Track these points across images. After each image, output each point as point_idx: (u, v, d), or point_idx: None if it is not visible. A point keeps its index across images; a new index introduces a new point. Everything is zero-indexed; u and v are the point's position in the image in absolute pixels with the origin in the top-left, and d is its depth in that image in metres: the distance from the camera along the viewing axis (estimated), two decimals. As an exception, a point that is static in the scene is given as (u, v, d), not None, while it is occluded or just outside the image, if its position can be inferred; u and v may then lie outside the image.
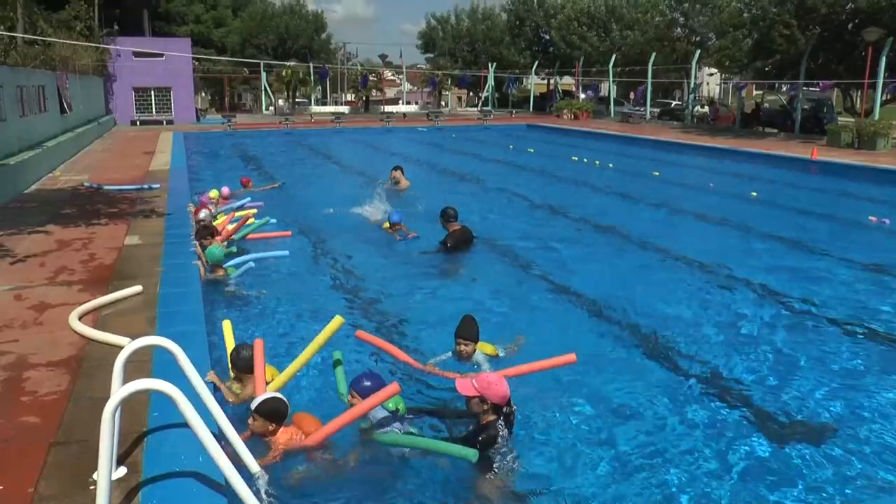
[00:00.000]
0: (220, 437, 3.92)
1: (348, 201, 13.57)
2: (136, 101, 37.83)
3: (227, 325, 6.43)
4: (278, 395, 4.80)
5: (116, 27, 38.85)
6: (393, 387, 4.64)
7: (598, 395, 5.78)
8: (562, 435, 5.14)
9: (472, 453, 4.33)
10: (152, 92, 38.04)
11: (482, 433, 4.52)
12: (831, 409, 5.59)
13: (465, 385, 4.62)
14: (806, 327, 7.46)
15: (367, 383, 4.82)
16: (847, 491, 4.49)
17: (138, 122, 36.79)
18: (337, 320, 5.29)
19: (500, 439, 4.52)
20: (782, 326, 7.46)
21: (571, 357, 5.11)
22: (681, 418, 5.41)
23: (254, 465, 4.09)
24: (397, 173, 16.01)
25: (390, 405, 4.89)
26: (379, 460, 4.69)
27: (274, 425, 4.61)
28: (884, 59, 24.66)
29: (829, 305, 8.09)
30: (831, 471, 4.69)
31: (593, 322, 7.67)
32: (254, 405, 4.66)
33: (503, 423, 4.60)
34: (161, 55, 37.11)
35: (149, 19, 46.32)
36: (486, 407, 4.56)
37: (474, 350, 5.92)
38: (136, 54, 36.97)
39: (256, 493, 3.74)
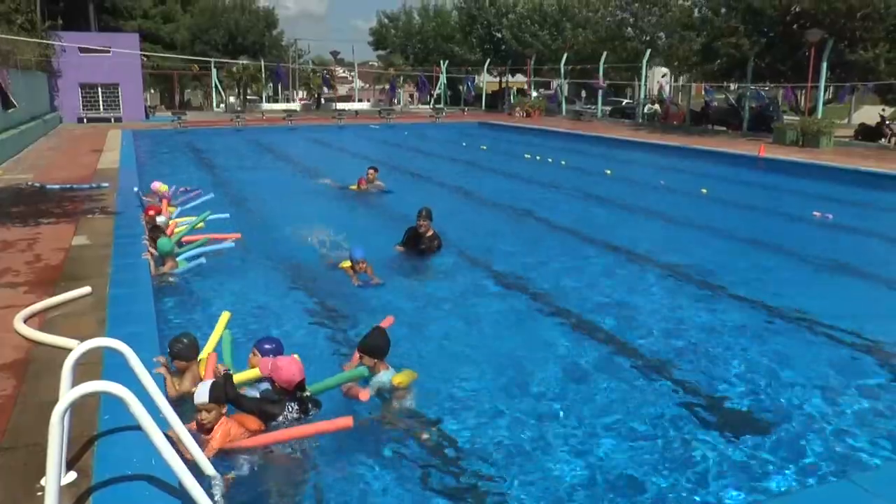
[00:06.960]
0: (173, 439, 3.86)
1: (306, 211, 12.67)
2: (83, 97, 36.83)
3: (224, 316, 6.33)
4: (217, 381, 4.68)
5: (60, 21, 37.73)
6: (346, 420, 4.56)
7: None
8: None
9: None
10: (99, 88, 37.10)
11: (266, 405, 4.77)
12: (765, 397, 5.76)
13: (264, 364, 5.03)
14: (752, 317, 7.66)
15: (268, 346, 5.36)
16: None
17: (85, 120, 35.87)
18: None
19: (280, 418, 4.73)
20: (724, 315, 7.73)
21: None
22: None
23: (209, 468, 4.03)
24: (372, 173, 15.68)
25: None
26: (334, 464, 4.65)
27: (215, 412, 4.52)
28: (825, 60, 25.44)
29: (780, 295, 8.34)
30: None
31: (544, 319, 7.75)
32: (200, 398, 4.51)
33: (295, 406, 4.82)
34: (108, 51, 36.24)
35: (94, 13, 45.12)
36: (276, 387, 4.84)
37: (374, 366, 5.38)
38: (83, 50, 36.00)
39: (211, 497, 3.69)
